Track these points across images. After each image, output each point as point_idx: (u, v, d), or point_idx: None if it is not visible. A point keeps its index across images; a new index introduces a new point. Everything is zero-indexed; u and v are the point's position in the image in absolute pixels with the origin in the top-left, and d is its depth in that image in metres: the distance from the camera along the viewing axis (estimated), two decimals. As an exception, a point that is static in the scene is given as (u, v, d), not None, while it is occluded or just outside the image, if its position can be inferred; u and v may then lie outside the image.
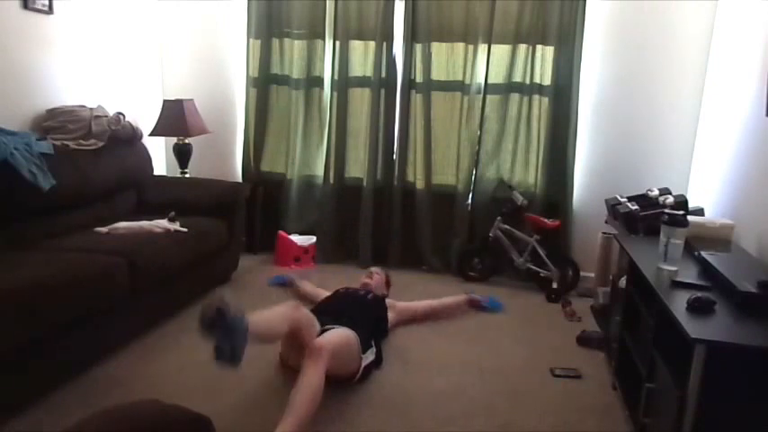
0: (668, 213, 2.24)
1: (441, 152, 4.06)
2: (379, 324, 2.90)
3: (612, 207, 3.07)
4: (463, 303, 3.42)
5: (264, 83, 4.21)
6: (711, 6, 3.51)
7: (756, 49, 2.84)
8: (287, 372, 2.53)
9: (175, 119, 3.95)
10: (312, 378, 2.11)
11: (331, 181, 4.19)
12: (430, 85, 3.96)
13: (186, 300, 3.26)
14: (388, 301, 3.15)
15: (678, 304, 1.80)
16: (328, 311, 2.72)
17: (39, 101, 3.25)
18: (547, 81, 3.77)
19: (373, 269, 3.39)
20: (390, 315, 3.04)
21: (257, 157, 4.33)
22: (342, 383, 2.43)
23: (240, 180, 4.34)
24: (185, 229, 3.17)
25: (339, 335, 2.40)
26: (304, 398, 2.05)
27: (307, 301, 3.13)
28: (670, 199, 2.85)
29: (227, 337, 1.91)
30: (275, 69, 4.21)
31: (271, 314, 2.26)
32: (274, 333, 2.28)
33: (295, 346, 2.36)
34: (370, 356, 2.58)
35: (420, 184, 4.09)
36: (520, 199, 3.77)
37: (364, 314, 2.79)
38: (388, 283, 3.40)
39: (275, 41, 4.16)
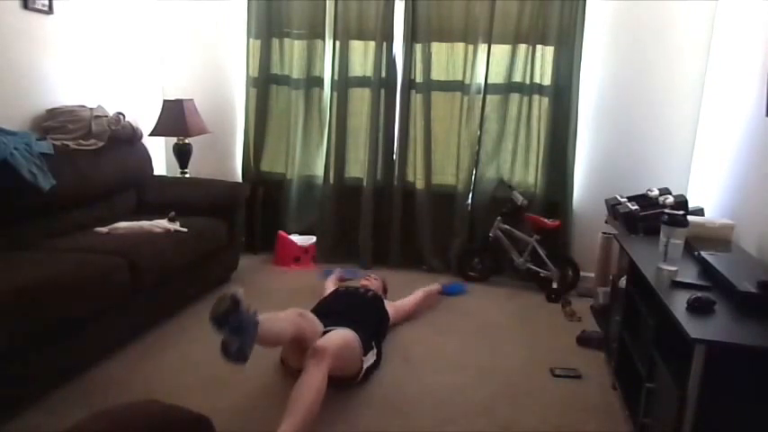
0: (668, 213, 2.24)
1: (441, 152, 4.06)
2: (381, 324, 2.89)
3: (612, 207, 3.07)
4: (436, 292, 3.55)
5: (264, 83, 4.21)
6: (711, 6, 3.51)
7: (756, 49, 2.83)
8: (287, 372, 2.53)
9: (175, 119, 3.95)
10: (315, 379, 2.10)
11: (331, 181, 4.19)
12: (430, 85, 3.96)
13: (186, 300, 3.26)
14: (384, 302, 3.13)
15: (678, 304, 1.80)
16: (329, 312, 2.69)
17: (39, 101, 3.25)
18: (547, 81, 3.77)
19: (372, 275, 3.42)
20: (390, 311, 3.03)
21: (257, 157, 4.33)
22: (342, 385, 2.42)
23: (240, 180, 4.34)
24: (185, 229, 3.17)
25: (341, 336, 2.39)
26: (306, 399, 2.03)
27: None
28: (670, 199, 2.84)
29: (237, 334, 1.92)
30: (275, 69, 4.21)
31: (277, 318, 2.27)
32: (280, 337, 2.28)
33: (297, 350, 2.36)
34: (371, 358, 2.56)
35: (420, 185, 4.09)
36: (520, 199, 3.76)
37: (366, 314, 2.79)
38: (385, 289, 3.37)
39: (275, 41, 4.16)
